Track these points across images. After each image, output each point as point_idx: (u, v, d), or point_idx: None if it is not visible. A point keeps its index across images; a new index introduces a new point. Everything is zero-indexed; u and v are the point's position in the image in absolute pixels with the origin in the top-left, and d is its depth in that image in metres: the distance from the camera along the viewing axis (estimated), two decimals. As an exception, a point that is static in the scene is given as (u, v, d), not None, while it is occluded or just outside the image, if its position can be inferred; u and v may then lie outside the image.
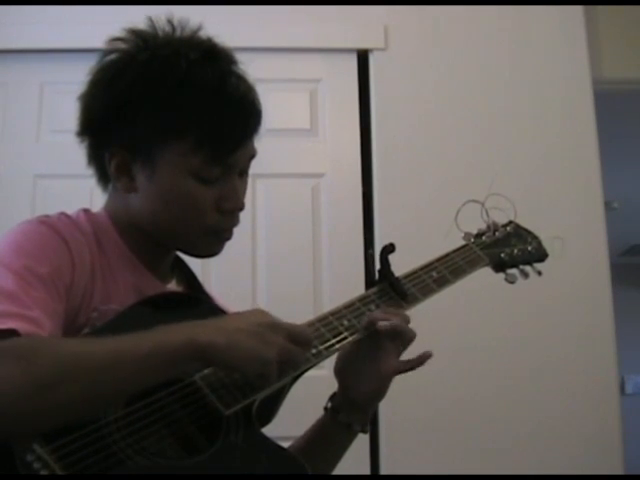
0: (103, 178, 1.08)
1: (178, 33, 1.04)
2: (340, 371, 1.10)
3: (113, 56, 1.04)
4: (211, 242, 1.06)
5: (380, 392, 1.08)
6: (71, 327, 0.94)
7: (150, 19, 1.05)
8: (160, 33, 1.04)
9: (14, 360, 0.78)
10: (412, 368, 1.07)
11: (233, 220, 1.06)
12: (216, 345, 0.85)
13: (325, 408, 1.12)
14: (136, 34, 1.04)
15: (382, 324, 1.05)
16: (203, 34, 1.06)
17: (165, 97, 1.00)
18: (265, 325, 0.90)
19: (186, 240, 1.06)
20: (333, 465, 1.13)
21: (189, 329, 0.86)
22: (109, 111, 1.01)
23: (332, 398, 1.12)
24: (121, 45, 1.04)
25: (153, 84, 1.00)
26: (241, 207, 1.05)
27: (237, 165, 1.04)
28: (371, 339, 1.07)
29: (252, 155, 1.07)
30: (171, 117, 1.00)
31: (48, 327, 0.87)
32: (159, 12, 1.08)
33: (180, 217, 1.03)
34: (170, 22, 1.04)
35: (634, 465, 3.08)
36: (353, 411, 1.09)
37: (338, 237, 2.49)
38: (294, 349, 0.92)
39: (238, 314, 0.95)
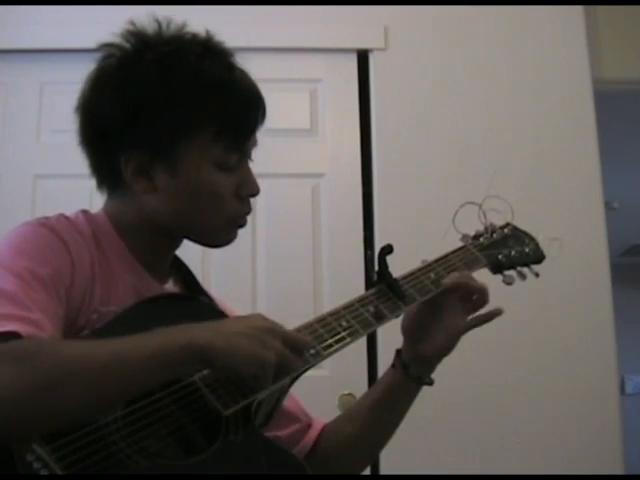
0: (112, 183, 1.07)
1: (168, 30, 1.05)
2: (407, 328, 1.15)
3: (113, 60, 1.03)
4: (231, 230, 1.08)
5: (447, 348, 1.13)
6: (71, 329, 0.94)
7: (132, 22, 1.05)
8: (151, 32, 1.04)
9: (15, 362, 0.78)
10: (478, 324, 1.13)
11: (248, 206, 1.08)
12: (215, 347, 0.86)
13: (393, 365, 1.16)
14: (131, 35, 1.04)
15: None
16: (189, 30, 1.07)
17: (181, 92, 1.01)
18: (264, 329, 0.91)
19: (209, 231, 1.07)
20: (400, 421, 1.18)
21: (189, 332, 0.87)
22: (125, 114, 1.01)
23: (398, 355, 1.16)
24: (115, 50, 1.04)
25: (167, 81, 1.00)
26: (258, 191, 1.08)
27: (249, 152, 1.08)
28: (438, 298, 1.12)
29: (256, 142, 1.09)
30: (190, 111, 1.01)
31: (49, 329, 0.87)
32: (160, 12, 1.08)
33: (205, 208, 1.04)
34: (157, 21, 1.05)
35: (634, 465, 3.09)
36: (423, 365, 1.14)
37: (338, 237, 2.49)
38: (290, 355, 0.92)
39: (238, 318, 0.96)
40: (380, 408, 1.16)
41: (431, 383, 1.16)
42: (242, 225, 1.09)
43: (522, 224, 1.32)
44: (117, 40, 1.04)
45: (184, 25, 1.06)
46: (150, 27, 1.04)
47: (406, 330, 1.15)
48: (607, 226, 2.53)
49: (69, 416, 0.81)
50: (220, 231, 1.07)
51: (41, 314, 0.87)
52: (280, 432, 1.12)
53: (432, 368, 1.16)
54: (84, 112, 1.05)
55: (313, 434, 1.18)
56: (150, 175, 1.02)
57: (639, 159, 4.23)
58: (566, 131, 2.59)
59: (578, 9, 2.66)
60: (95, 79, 1.04)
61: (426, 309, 1.13)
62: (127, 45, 1.04)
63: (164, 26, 1.05)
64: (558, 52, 2.64)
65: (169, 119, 1.01)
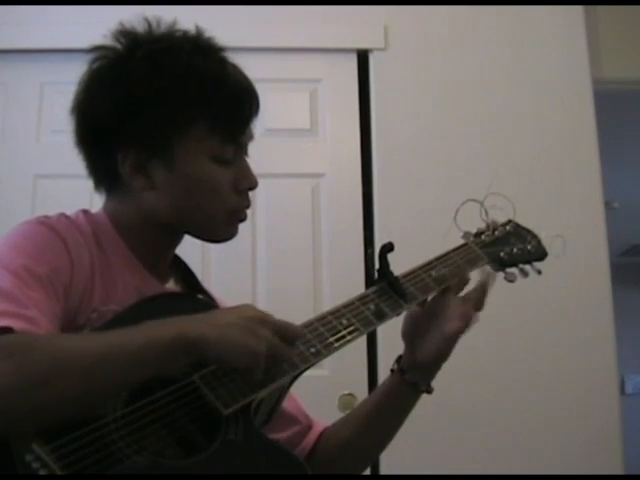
0: (110, 182, 1.07)
1: (159, 29, 1.06)
2: (407, 333, 1.14)
3: (105, 61, 1.04)
4: (231, 224, 1.08)
5: (444, 353, 1.11)
6: (70, 327, 0.94)
7: (122, 23, 1.05)
8: (142, 31, 1.05)
9: (7, 356, 0.78)
10: (468, 324, 1.10)
11: (248, 200, 1.08)
12: (207, 339, 0.86)
13: (391, 370, 1.16)
14: (122, 35, 1.05)
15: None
16: (180, 28, 1.07)
17: (173, 88, 1.01)
18: (254, 319, 0.91)
19: (209, 226, 1.07)
20: (398, 426, 1.17)
21: (179, 323, 0.87)
22: (119, 112, 1.01)
23: (398, 360, 1.16)
24: (106, 51, 1.04)
25: (161, 77, 1.01)
26: (256, 185, 1.08)
27: (245, 145, 1.08)
28: (436, 301, 1.12)
29: (252, 136, 1.10)
30: (183, 106, 1.01)
31: (45, 326, 0.87)
32: (159, 12, 1.08)
33: (204, 203, 1.04)
34: (146, 20, 1.05)
35: (634, 465, 3.09)
36: (418, 371, 1.13)
37: (338, 237, 2.49)
38: (280, 345, 0.92)
39: (228, 309, 0.96)
40: (378, 413, 1.16)
41: (429, 391, 1.15)
42: (242, 219, 1.09)
43: (521, 223, 1.32)
44: (108, 41, 1.05)
45: (174, 23, 1.07)
46: (140, 26, 1.05)
47: (405, 335, 1.15)
48: (607, 226, 2.53)
49: (62, 410, 0.80)
50: (220, 226, 1.08)
51: (37, 311, 0.87)
52: (280, 434, 1.12)
53: (429, 375, 1.14)
54: (79, 113, 1.05)
55: (313, 436, 1.18)
56: (147, 172, 1.03)
57: (639, 159, 4.23)
58: (566, 131, 2.59)
59: (578, 9, 2.66)
60: (88, 80, 1.05)
61: (424, 314, 1.13)
62: (118, 45, 1.04)
63: (154, 25, 1.06)
64: (558, 52, 2.64)
65: (163, 115, 1.01)
